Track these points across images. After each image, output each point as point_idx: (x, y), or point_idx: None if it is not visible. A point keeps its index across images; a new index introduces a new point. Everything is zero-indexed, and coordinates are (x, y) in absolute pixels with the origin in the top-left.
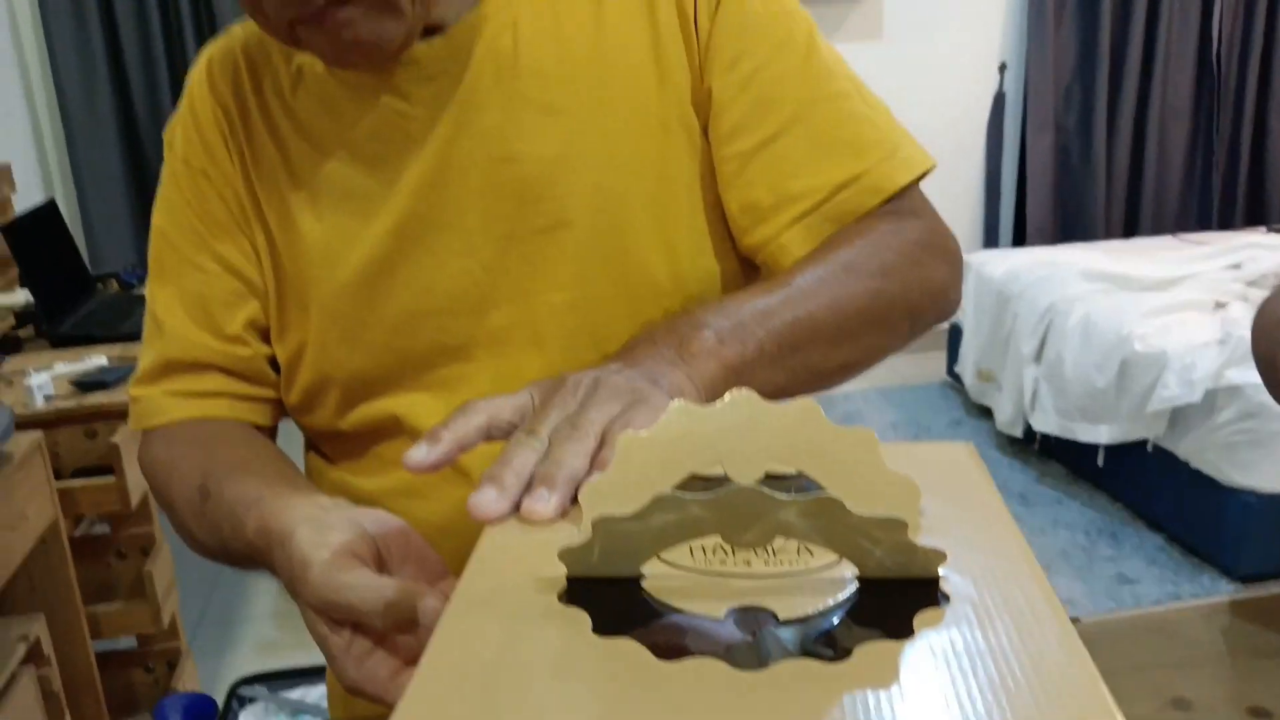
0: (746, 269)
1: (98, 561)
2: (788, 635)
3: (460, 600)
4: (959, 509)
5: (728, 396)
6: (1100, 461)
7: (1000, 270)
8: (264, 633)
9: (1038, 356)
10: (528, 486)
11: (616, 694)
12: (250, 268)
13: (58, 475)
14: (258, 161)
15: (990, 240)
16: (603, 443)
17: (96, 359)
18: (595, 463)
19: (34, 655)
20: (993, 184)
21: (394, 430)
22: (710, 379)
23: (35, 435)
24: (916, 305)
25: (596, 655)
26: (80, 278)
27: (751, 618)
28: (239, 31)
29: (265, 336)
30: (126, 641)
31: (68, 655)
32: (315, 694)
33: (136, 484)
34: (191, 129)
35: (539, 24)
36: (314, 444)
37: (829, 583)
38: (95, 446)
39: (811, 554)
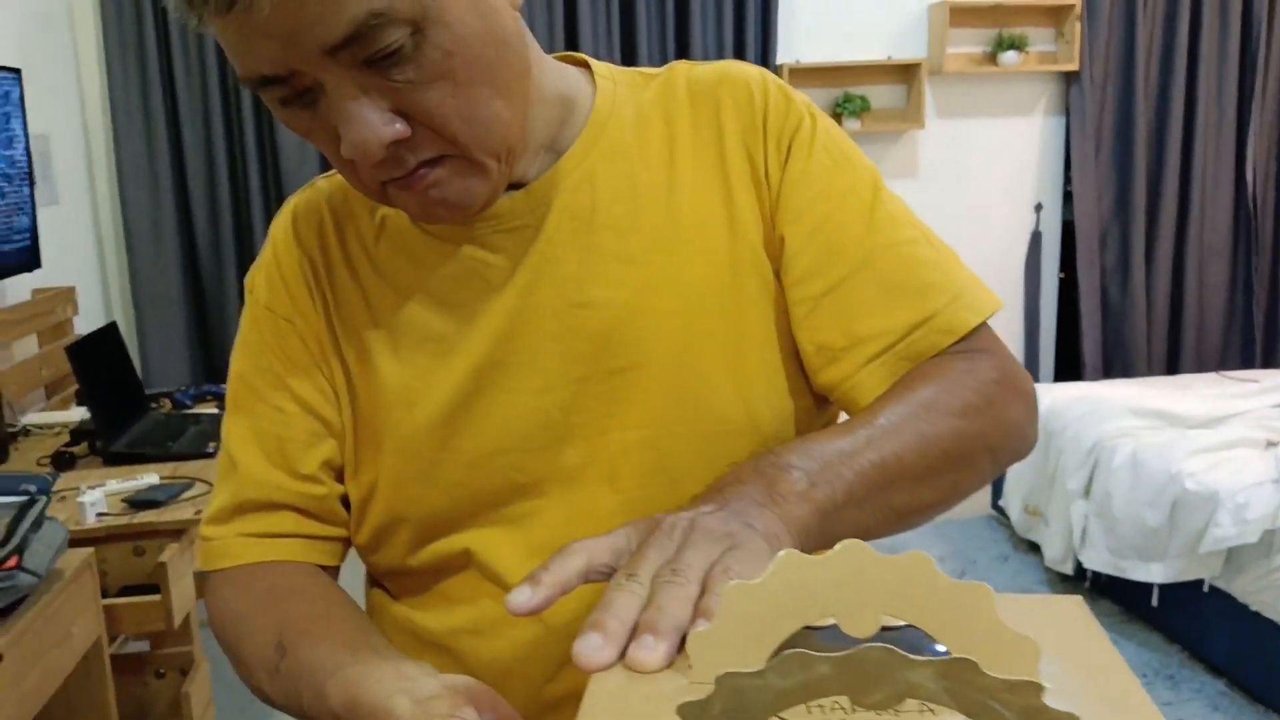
0: (819, 407)
1: (135, 680)
2: None
3: None
4: (1080, 670)
5: (837, 547)
6: (1155, 601)
7: (1044, 405)
8: None
9: (1086, 492)
10: (632, 634)
11: None
12: (328, 407)
13: (104, 593)
14: (340, 305)
15: (1031, 376)
16: (704, 589)
17: (149, 477)
18: (698, 610)
19: None
20: (1032, 320)
21: (464, 565)
22: (802, 522)
23: (86, 553)
24: (996, 444)
25: None
26: (135, 397)
27: None
28: (324, 184)
29: (339, 476)
30: None
31: None
32: None
33: (181, 603)
34: (276, 276)
35: (615, 180)
36: (378, 580)
37: None
38: (143, 564)
39: (934, 714)
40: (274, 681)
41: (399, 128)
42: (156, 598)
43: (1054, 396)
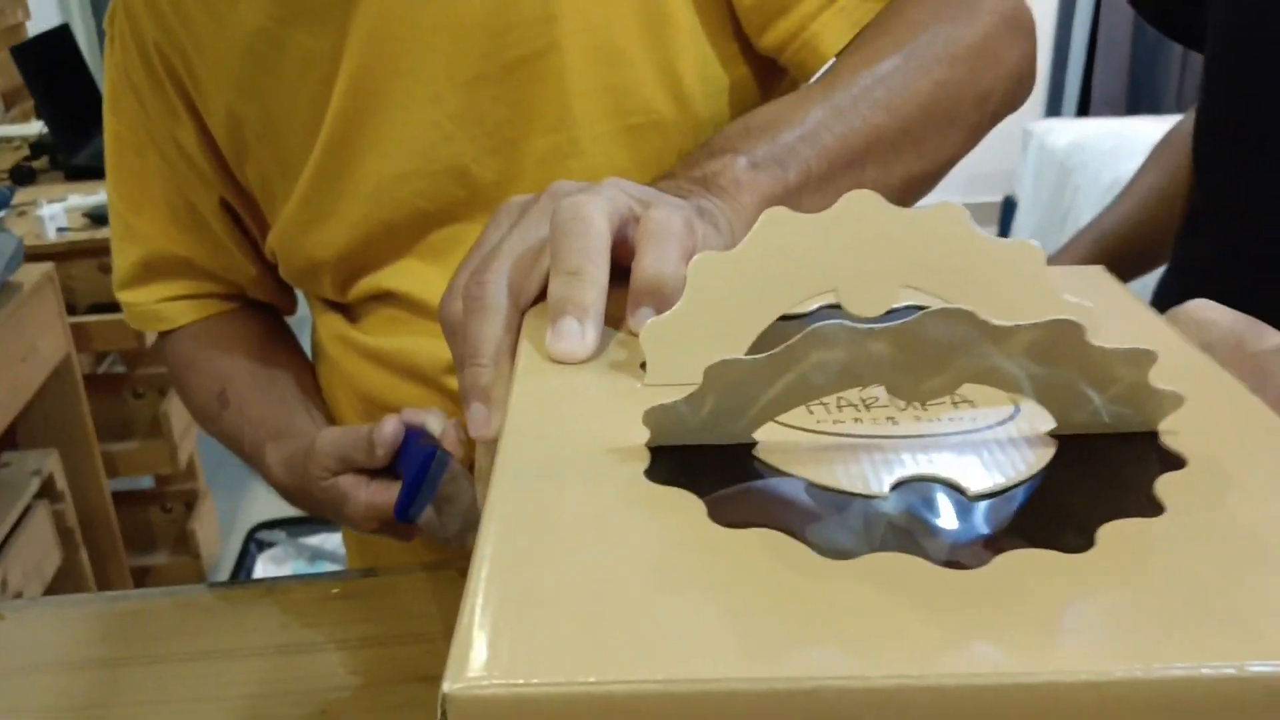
0: (765, 77)
1: (114, 400)
2: (983, 516)
3: (511, 472)
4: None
5: (841, 200)
6: None
7: (1064, 140)
8: None
9: None
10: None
11: (778, 608)
12: (210, 156)
13: (71, 311)
14: (197, 46)
15: (1054, 109)
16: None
17: None
18: (643, 288)
19: (48, 490)
20: (1061, 50)
21: (394, 302)
22: (747, 213)
23: (46, 267)
24: (988, 91)
25: (731, 554)
26: (96, 109)
27: (927, 494)
28: None
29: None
30: (145, 481)
31: (82, 492)
32: (334, 541)
33: None
34: (127, 34)
35: None
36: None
37: (1012, 442)
38: (109, 281)
39: (974, 405)
40: (216, 426)
41: None
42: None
43: (1076, 131)
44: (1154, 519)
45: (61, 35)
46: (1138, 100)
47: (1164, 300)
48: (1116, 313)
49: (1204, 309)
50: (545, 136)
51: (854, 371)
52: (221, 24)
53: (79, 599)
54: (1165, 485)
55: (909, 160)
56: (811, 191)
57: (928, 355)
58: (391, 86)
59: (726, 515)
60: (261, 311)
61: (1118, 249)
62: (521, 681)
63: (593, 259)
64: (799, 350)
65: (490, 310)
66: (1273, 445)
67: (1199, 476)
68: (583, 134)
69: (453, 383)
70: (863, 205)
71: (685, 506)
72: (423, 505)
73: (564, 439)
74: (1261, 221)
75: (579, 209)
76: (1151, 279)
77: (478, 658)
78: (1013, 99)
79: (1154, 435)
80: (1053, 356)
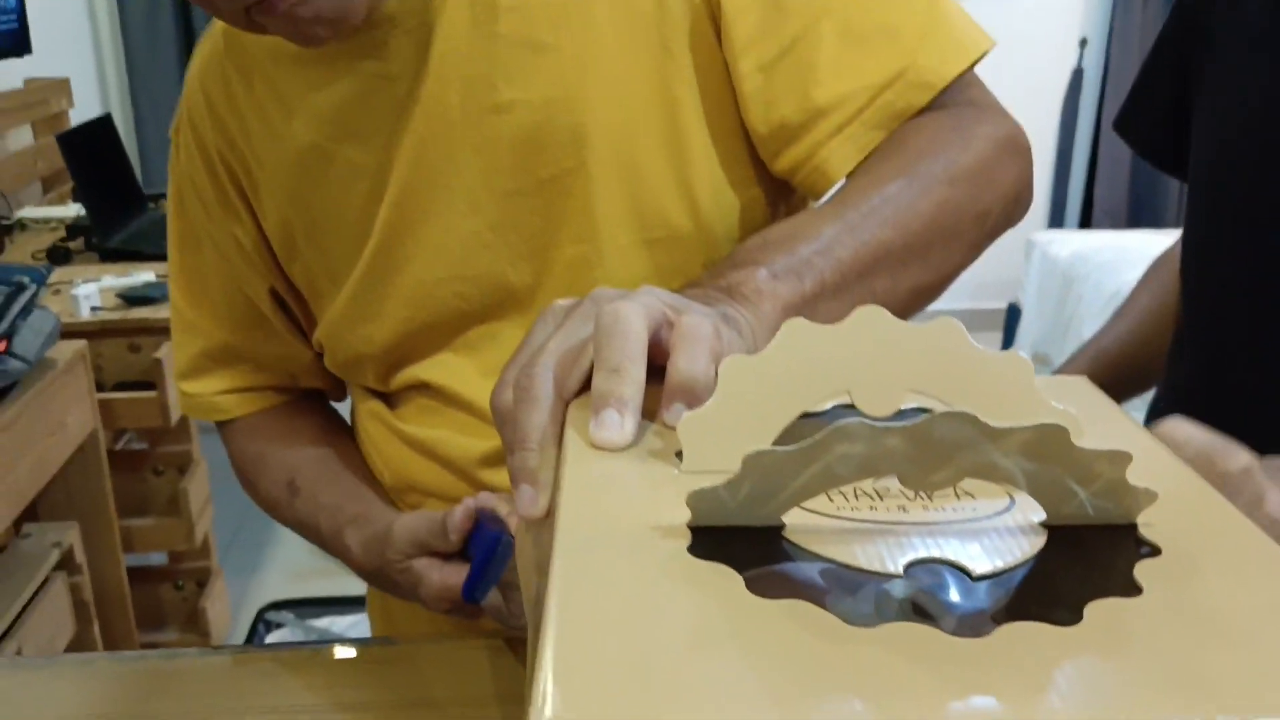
0: (777, 198)
1: (134, 476)
2: (985, 594)
3: (569, 547)
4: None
5: (854, 314)
6: None
7: (1066, 251)
8: (295, 559)
9: None
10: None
11: (808, 666)
12: (266, 255)
13: (99, 387)
14: (256, 154)
15: (1056, 220)
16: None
17: (144, 274)
18: (669, 388)
19: (67, 563)
20: (1063, 163)
21: (431, 393)
22: (769, 321)
23: (79, 344)
24: (988, 209)
25: (766, 620)
26: (132, 194)
27: (937, 574)
28: (220, 24)
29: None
30: (158, 558)
31: (99, 566)
32: (342, 623)
33: (176, 399)
34: (190, 137)
35: None
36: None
37: (1009, 531)
38: (138, 361)
39: (974, 498)
40: (288, 514)
41: None
42: (153, 394)
43: (1078, 243)
44: (1133, 599)
45: (104, 124)
46: (1139, 213)
47: (1156, 418)
48: (1098, 418)
49: (1178, 428)
50: (573, 246)
51: (872, 464)
52: (278, 138)
53: (96, 656)
54: (1143, 570)
55: (915, 272)
56: (827, 300)
57: (936, 451)
58: (434, 199)
59: (760, 588)
60: (316, 402)
61: (1114, 367)
62: None
63: (632, 358)
64: (826, 443)
65: (537, 401)
66: (1236, 537)
67: (1172, 563)
68: (607, 245)
69: (484, 474)
70: (872, 318)
71: (724, 579)
72: (488, 586)
73: (613, 518)
74: (1236, 346)
75: (619, 313)
76: (1150, 395)
77: (553, 705)
78: (1010, 216)
79: (1133, 527)
80: (1042, 455)
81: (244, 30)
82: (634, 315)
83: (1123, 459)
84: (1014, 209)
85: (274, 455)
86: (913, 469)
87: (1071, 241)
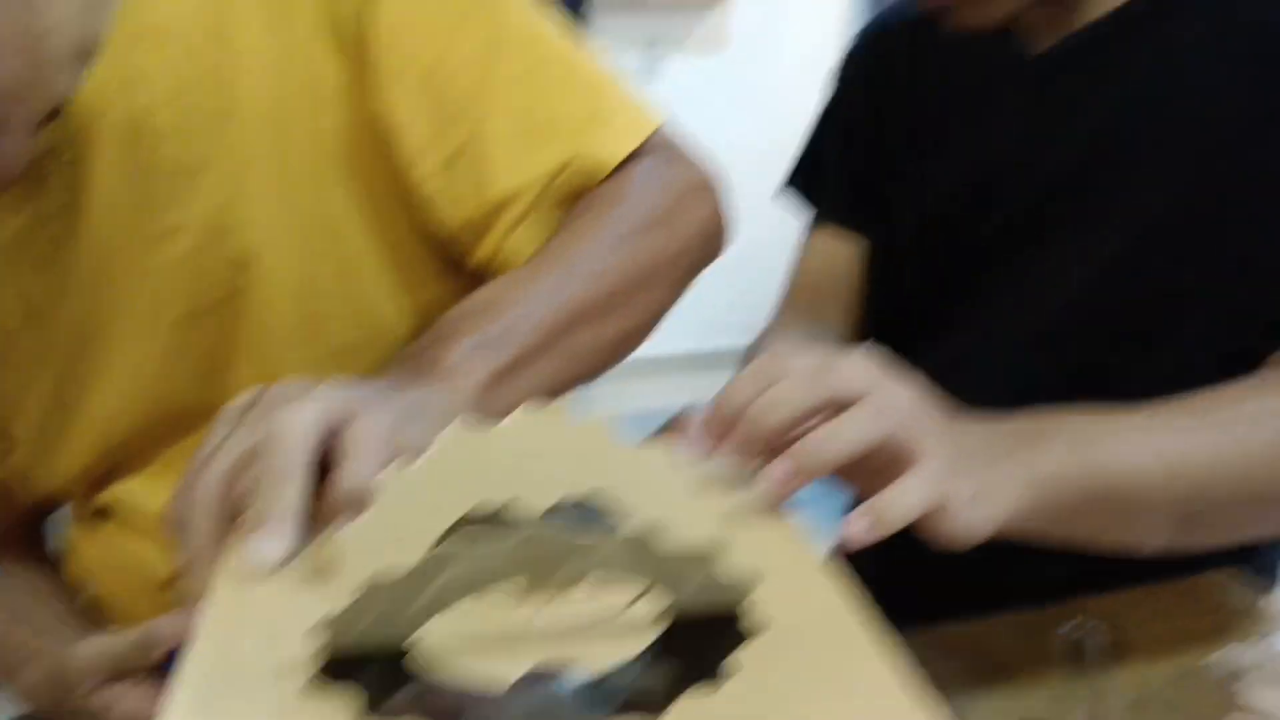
0: (471, 286)
1: None
2: (590, 694)
3: (190, 685)
4: (756, 533)
5: (509, 420)
6: None
7: None
8: None
9: None
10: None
11: None
12: None
13: None
14: None
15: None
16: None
17: None
18: (326, 497)
19: None
20: None
21: (128, 513)
22: (469, 398)
23: None
24: (681, 249)
25: None
26: None
27: (549, 678)
28: None
29: None
30: None
31: None
32: None
33: None
34: None
35: (162, 71)
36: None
37: (632, 625)
38: None
39: (597, 597)
40: None
41: None
42: None
43: None
44: (716, 692)
45: None
46: None
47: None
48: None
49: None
50: (249, 367)
51: (482, 580)
52: None
53: None
54: (735, 659)
55: (619, 320)
56: (530, 362)
57: (540, 567)
58: (110, 328)
59: (384, 709)
60: None
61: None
62: None
63: (288, 475)
64: (442, 557)
65: (190, 524)
66: (826, 611)
67: (764, 647)
68: (282, 365)
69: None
70: (529, 419)
71: (342, 708)
72: None
73: (243, 651)
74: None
75: (284, 425)
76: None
77: None
78: (707, 253)
79: (735, 616)
80: (631, 565)
81: None
82: (299, 425)
83: (712, 556)
84: (709, 246)
85: None
86: (531, 576)
87: None
